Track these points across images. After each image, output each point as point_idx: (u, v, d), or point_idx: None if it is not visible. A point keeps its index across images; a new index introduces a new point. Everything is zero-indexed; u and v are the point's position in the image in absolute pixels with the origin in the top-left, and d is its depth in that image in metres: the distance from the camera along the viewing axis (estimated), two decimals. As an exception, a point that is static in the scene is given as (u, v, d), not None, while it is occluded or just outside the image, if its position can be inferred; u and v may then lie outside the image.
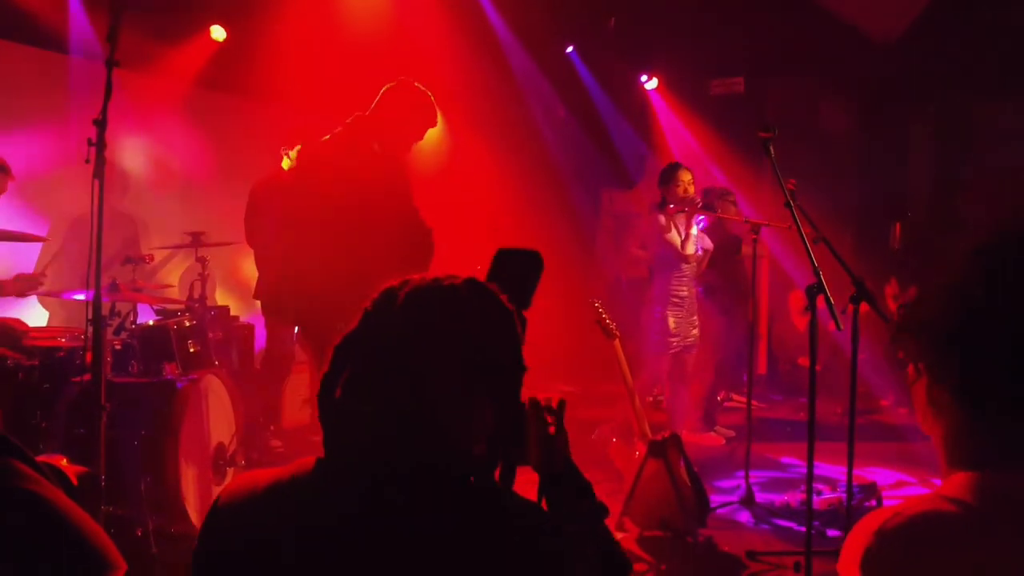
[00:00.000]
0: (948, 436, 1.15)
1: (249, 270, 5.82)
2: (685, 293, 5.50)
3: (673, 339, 5.38)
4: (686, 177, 5.39)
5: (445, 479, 1.22)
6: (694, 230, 5.45)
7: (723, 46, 8.09)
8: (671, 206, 5.36)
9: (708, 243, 5.62)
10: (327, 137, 3.80)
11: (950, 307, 1.12)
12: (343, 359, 1.27)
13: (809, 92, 8.55)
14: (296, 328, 5.55)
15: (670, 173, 5.43)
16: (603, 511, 1.43)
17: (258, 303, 5.56)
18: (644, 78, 8.60)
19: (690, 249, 5.43)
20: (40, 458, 1.26)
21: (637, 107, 8.80)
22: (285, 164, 5.58)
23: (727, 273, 6.38)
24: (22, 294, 4.66)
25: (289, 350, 5.68)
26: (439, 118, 4.01)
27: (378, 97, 3.84)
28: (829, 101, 8.62)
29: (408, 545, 1.16)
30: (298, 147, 5.48)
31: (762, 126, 3.62)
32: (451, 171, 7.55)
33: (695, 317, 5.59)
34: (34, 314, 5.53)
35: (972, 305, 1.10)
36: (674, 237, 5.40)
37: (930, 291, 1.16)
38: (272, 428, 5.57)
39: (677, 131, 8.61)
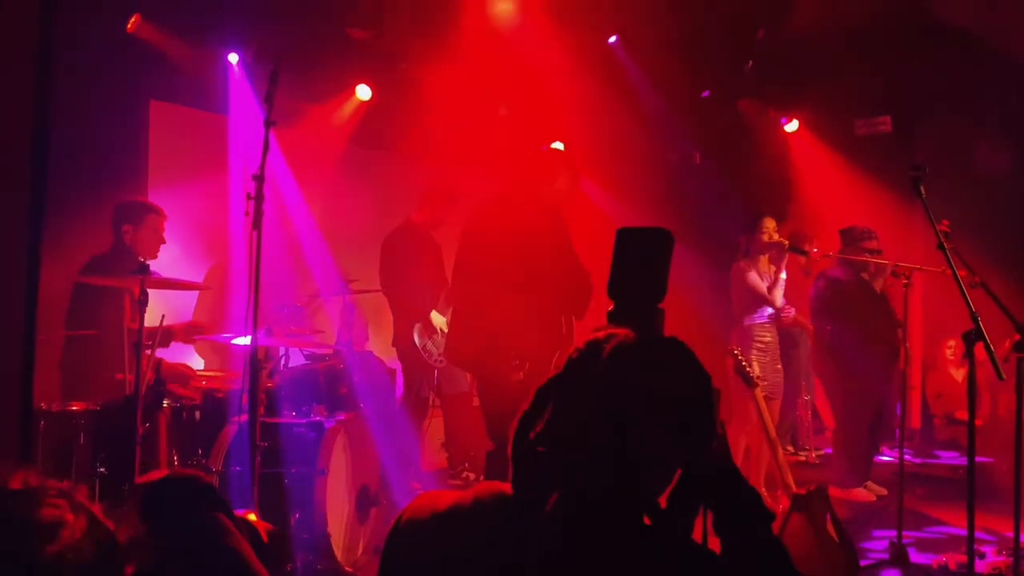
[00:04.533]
0: None
1: (391, 318, 6.01)
2: (769, 339, 5.53)
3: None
4: (770, 225, 5.51)
5: (629, 527, 1.26)
6: (783, 276, 5.49)
7: (868, 85, 7.82)
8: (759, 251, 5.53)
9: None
10: (488, 194, 4.26)
11: None
12: (544, 402, 1.32)
13: (964, 130, 8.12)
14: (436, 373, 5.72)
15: (755, 221, 5.56)
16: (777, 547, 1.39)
17: (394, 350, 5.76)
18: (783, 120, 8.42)
19: (778, 295, 5.45)
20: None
21: (777, 150, 8.61)
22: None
23: (862, 323, 5.98)
24: (189, 341, 4.93)
25: (426, 396, 5.82)
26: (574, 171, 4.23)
27: (529, 162, 4.15)
28: (986, 138, 8.16)
29: None
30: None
31: (912, 165, 3.50)
32: (583, 218, 7.59)
33: (779, 365, 5.58)
34: (190, 360, 5.89)
35: None
36: (759, 283, 5.42)
37: None
38: (412, 471, 5.70)
39: (819, 173, 8.35)
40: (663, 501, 1.33)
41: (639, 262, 1.50)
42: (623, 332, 1.31)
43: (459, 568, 1.27)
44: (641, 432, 1.25)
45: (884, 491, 5.85)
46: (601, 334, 1.32)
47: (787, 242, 5.50)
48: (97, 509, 1.26)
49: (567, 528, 1.23)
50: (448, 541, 1.30)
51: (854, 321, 5.86)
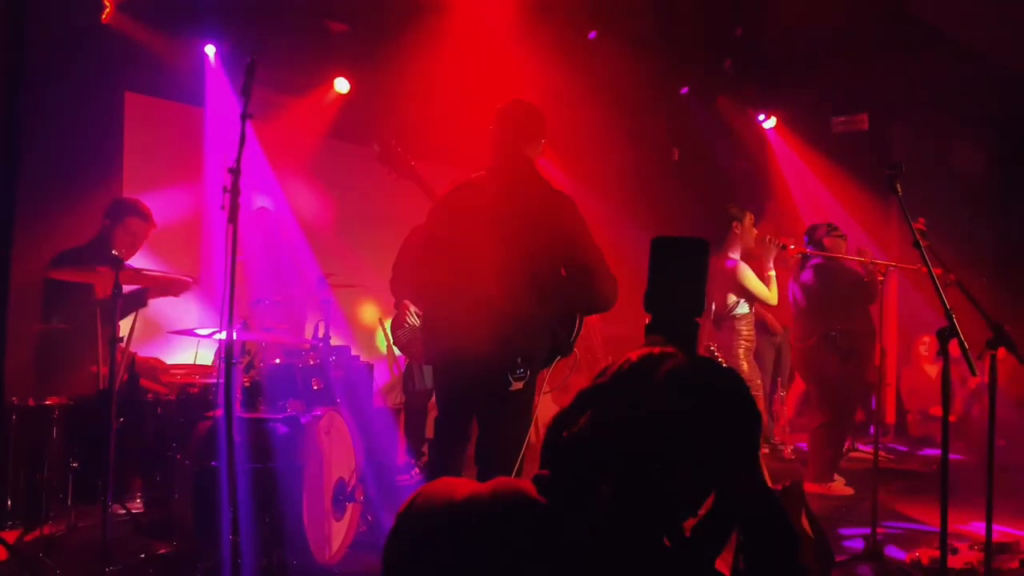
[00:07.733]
0: None
1: (368, 313, 5.98)
2: (755, 337, 5.59)
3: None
4: (748, 220, 5.61)
5: (649, 545, 1.25)
6: (772, 273, 5.48)
7: (845, 83, 7.89)
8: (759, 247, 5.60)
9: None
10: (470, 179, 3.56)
11: None
12: (584, 405, 1.30)
13: (939, 128, 8.21)
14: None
15: (739, 216, 5.59)
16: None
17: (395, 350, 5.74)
18: (761, 117, 8.47)
19: (774, 292, 5.42)
20: None
21: (755, 147, 8.66)
22: None
23: (852, 317, 5.99)
24: (170, 293, 4.42)
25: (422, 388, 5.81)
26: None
27: (495, 127, 3.57)
28: (961, 137, 8.25)
29: None
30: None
31: (888, 163, 3.53)
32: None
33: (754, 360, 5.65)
34: (162, 353, 5.84)
35: None
36: (759, 283, 5.45)
37: None
38: (389, 466, 5.67)
39: (797, 171, 8.41)
40: (687, 528, 1.32)
41: (677, 274, 1.46)
42: (678, 353, 1.30)
43: (469, 561, 1.26)
44: (683, 459, 1.24)
45: (850, 491, 5.84)
46: (656, 350, 1.30)
47: (780, 241, 5.49)
48: None
49: (585, 536, 1.23)
50: (461, 533, 1.29)
51: (845, 322, 5.80)
